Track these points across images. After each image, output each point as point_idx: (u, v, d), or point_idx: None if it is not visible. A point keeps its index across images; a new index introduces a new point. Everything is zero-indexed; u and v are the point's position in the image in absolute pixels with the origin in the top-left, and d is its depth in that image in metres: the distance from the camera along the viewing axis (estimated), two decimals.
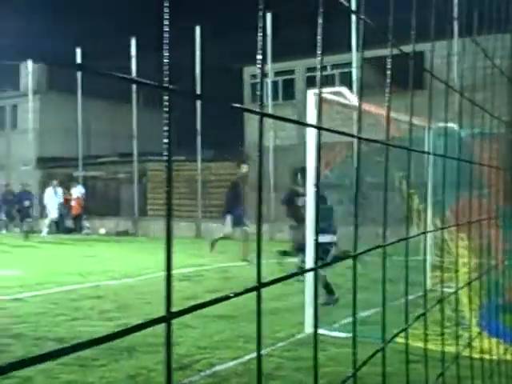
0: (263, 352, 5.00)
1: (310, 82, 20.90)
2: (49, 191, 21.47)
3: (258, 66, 0.89)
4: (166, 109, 0.67)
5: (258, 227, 0.96)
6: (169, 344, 0.77)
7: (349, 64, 18.61)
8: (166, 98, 0.67)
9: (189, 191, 21.53)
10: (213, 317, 7.14)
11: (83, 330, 6.45)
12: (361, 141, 1.23)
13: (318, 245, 1.27)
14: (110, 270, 11.74)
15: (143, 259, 13.53)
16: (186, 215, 21.38)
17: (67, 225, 22.62)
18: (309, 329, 6.26)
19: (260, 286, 0.88)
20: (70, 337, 6.11)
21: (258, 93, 0.91)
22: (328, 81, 21.47)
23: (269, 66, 20.14)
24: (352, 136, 1.18)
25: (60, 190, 21.89)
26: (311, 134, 6.72)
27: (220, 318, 7.04)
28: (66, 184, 23.76)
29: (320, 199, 8.95)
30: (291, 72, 22.57)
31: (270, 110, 20.09)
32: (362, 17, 1.20)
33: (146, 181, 23.69)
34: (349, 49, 17.61)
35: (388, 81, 1.43)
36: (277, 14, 19.30)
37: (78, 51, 23.49)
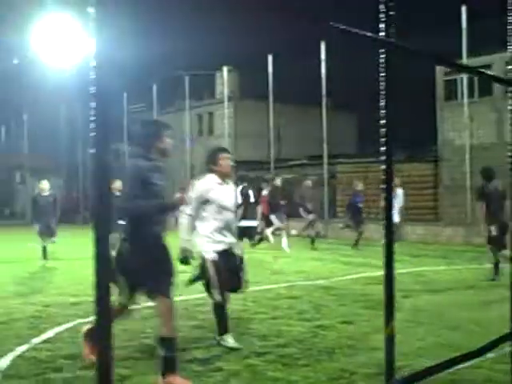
0: (471, 363, 4.72)
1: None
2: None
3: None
4: None
5: None
6: None
7: None
8: None
9: (379, 193, 21.25)
10: (411, 322, 6.94)
11: (283, 328, 6.60)
12: None
13: None
14: (304, 270, 11.94)
15: (335, 261, 13.60)
16: (376, 217, 21.13)
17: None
18: None
19: None
20: (271, 334, 6.28)
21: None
22: None
23: (464, 61, 19.21)
24: None
25: (401, 192, 18.05)
26: None
27: (419, 324, 6.82)
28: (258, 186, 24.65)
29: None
30: (488, 67, 21.34)
31: (465, 108, 19.16)
32: None
33: (335, 183, 23.80)
34: None
35: None
36: (471, 7, 18.43)
37: (270, 58, 24.25)
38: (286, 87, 26.33)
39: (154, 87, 30.55)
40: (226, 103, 27.51)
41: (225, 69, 27.63)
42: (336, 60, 22.64)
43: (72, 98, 36.07)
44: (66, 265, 13.30)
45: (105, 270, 1.48)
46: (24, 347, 5.95)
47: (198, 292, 9.14)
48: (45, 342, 6.21)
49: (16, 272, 12.02)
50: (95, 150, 1.48)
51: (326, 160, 22.51)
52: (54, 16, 33.93)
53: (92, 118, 1.49)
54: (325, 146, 22.21)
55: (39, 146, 39.38)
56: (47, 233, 14.21)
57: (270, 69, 24.42)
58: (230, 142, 28.08)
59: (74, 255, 15.80)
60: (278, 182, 17.85)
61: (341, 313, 7.56)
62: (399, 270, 11.76)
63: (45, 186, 14.47)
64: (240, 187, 12.70)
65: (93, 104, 1.51)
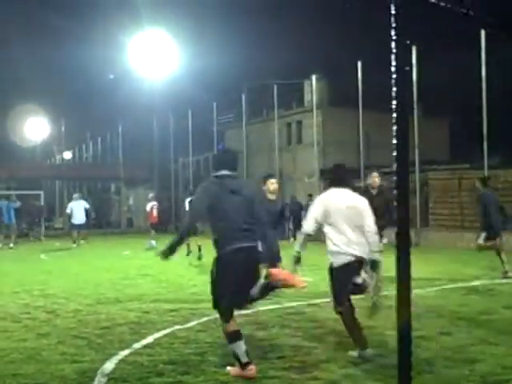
0: None
1: None
2: None
3: None
4: None
5: None
6: None
7: None
8: None
9: (474, 200, 20.54)
10: None
11: (381, 338, 6.49)
12: None
13: None
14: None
15: (429, 270, 13.24)
16: (470, 226, 20.43)
17: None
18: None
19: None
20: (371, 346, 6.18)
21: None
22: None
23: None
24: None
25: None
26: None
27: None
28: None
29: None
30: None
31: None
32: None
33: (427, 190, 23.20)
34: None
35: None
36: None
37: (359, 64, 24.06)
38: (374, 93, 25.99)
39: (243, 97, 30.92)
40: (314, 111, 27.46)
41: (313, 77, 27.61)
42: (426, 64, 22.15)
43: (163, 109, 37.17)
44: (159, 272, 13.68)
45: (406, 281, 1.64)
46: (126, 352, 6.16)
47: (289, 300, 9.19)
48: (145, 347, 6.41)
49: (114, 279, 12.46)
50: (398, 167, 1.54)
51: (417, 167, 22.01)
52: (147, 33, 35.21)
53: (395, 142, 1.56)
54: (416, 152, 21.73)
55: (133, 156, 40.79)
56: None
57: (360, 75, 24.20)
58: (318, 149, 28.01)
59: (168, 263, 16.23)
60: None
61: (438, 325, 7.35)
62: (498, 280, 11.32)
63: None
64: None
65: (395, 128, 1.58)
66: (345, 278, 5.80)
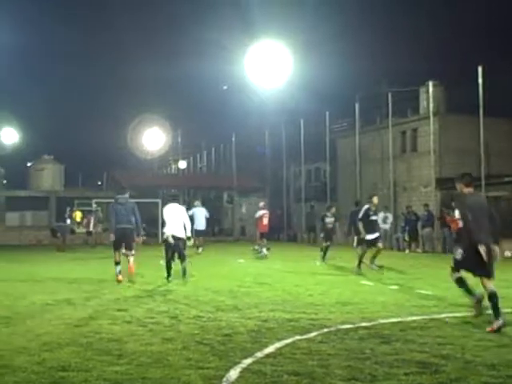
0: None
1: None
2: None
3: None
4: None
5: None
6: None
7: None
8: None
9: None
10: None
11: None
12: None
13: None
14: None
15: None
16: None
17: None
18: None
19: None
20: (501, 364, 5.83)
21: None
22: None
23: None
24: None
25: None
26: None
27: None
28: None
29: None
30: None
31: None
32: None
33: None
34: None
35: None
36: None
37: (479, 69, 23.11)
38: (495, 99, 24.87)
39: (356, 105, 30.59)
40: (431, 118, 26.69)
41: (430, 83, 26.86)
42: None
43: (276, 118, 37.52)
44: (276, 281, 13.71)
45: None
46: (249, 360, 6.16)
47: (410, 314, 8.89)
48: (267, 356, 6.38)
49: (231, 287, 12.60)
50: None
51: None
52: (262, 44, 35.70)
53: None
54: None
55: (245, 165, 41.42)
56: None
57: (480, 80, 23.21)
58: (434, 158, 27.17)
59: (284, 271, 16.29)
60: None
61: None
62: None
63: None
64: None
65: None
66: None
